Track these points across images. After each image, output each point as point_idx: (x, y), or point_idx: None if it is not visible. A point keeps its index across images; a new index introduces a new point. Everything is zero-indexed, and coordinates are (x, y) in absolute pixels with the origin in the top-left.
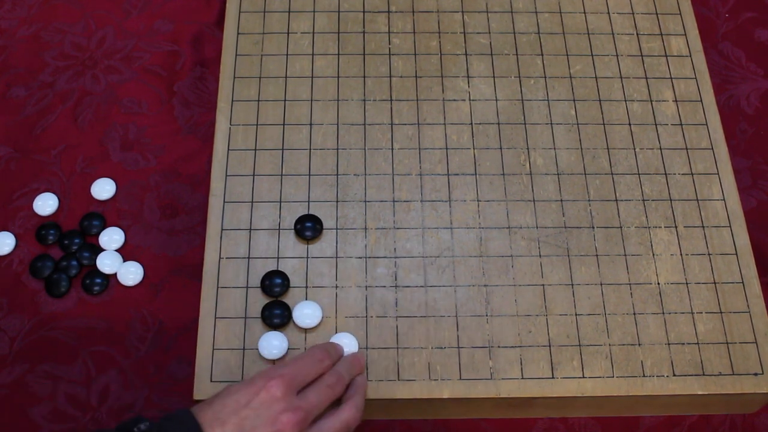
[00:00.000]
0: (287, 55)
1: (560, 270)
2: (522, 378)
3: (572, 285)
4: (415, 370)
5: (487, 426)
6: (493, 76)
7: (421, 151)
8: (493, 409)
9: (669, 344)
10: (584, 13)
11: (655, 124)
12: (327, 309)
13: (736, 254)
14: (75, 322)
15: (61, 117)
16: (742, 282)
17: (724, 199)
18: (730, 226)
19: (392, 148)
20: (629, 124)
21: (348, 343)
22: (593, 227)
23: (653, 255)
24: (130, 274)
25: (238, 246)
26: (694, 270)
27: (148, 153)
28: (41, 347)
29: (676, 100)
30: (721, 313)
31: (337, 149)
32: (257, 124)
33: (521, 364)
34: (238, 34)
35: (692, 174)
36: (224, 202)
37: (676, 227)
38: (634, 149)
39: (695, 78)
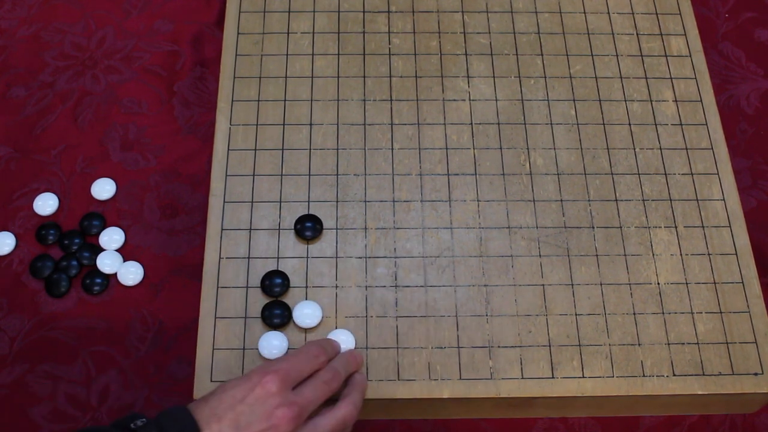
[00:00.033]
0: (287, 55)
1: (560, 270)
2: (522, 378)
3: (572, 285)
4: (415, 370)
5: (487, 426)
6: (493, 76)
7: (421, 151)
8: (493, 409)
9: (669, 344)
10: (584, 13)
11: (655, 124)
12: (327, 309)
13: (736, 254)
14: (75, 322)
15: (61, 117)
16: (742, 282)
17: (724, 199)
18: (730, 226)
19: (392, 148)
20: (629, 124)
21: (345, 339)
22: (593, 227)
23: (653, 255)
24: (130, 274)
25: (238, 246)
26: (694, 270)
27: (148, 153)
28: (41, 347)
29: (676, 100)
30: (721, 313)
31: (337, 149)
32: (257, 124)
33: (521, 364)
34: (238, 34)
35: (692, 174)
36: (224, 202)
37: (676, 227)
38: (634, 149)
39: (695, 78)
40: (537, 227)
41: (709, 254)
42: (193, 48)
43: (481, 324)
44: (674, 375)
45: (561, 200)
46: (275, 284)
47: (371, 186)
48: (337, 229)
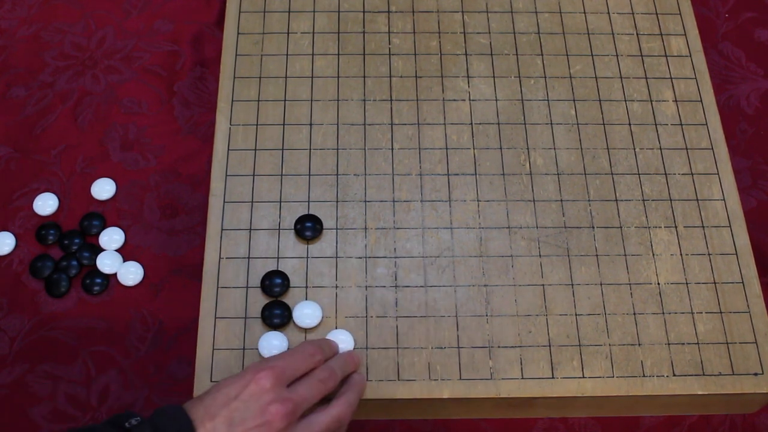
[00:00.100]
0: (287, 55)
1: (560, 270)
2: (522, 378)
3: (572, 285)
4: (415, 370)
5: (487, 426)
6: (493, 76)
7: (421, 151)
8: (493, 409)
9: (669, 344)
10: (584, 13)
11: (655, 124)
12: (327, 309)
13: (736, 254)
14: (75, 322)
15: (61, 117)
16: (742, 282)
17: (724, 199)
18: (730, 226)
19: (392, 148)
20: (629, 124)
21: (344, 339)
22: (593, 227)
23: (653, 255)
24: (130, 274)
25: (238, 246)
26: (694, 270)
27: (148, 153)
28: (41, 347)
29: (676, 100)
30: (721, 313)
31: (337, 149)
32: (257, 124)
33: (521, 364)
34: (238, 34)
35: (692, 174)
36: (224, 202)
37: (676, 227)
38: (634, 149)
39: (695, 78)
40: (537, 227)
41: (709, 254)
42: (193, 48)
43: (481, 324)
44: (674, 375)
45: (561, 200)
46: (275, 284)
47: (371, 186)
48: (337, 229)
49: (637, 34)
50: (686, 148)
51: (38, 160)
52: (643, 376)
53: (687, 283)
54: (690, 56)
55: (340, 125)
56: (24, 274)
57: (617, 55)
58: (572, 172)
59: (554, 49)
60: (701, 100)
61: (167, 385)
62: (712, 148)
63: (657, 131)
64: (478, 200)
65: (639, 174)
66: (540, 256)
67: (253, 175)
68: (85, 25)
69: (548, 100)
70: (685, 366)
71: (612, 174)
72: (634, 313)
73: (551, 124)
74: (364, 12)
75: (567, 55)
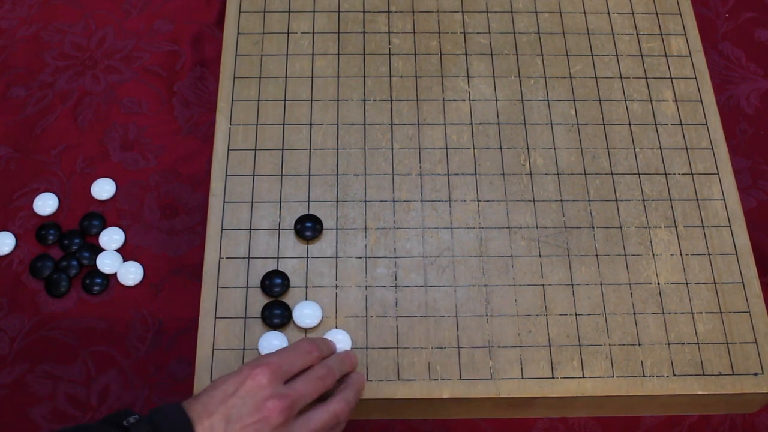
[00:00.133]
0: (287, 55)
1: (560, 270)
2: (522, 378)
3: (572, 285)
4: (415, 370)
5: (487, 426)
6: (493, 76)
7: (421, 151)
8: (493, 409)
9: (669, 344)
10: (584, 13)
11: (655, 124)
12: (327, 309)
13: (736, 254)
14: (75, 322)
15: (61, 117)
16: (742, 282)
17: (724, 199)
18: (730, 226)
19: (392, 148)
20: (629, 124)
21: (341, 339)
22: (593, 227)
23: (653, 255)
24: (130, 274)
25: (238, 246)
26: (694, 270)
27: (148, 153)
28: (41, 347)
29: (676, 100)
30: (721, 313)
31: (337, 149)
32: (257, 124)
33: (521, 364)
34: (238, 34)
35: (692, 174)
36: (224, 202)
37: (676, 227)
38: (634, 149)
39: (695, 78)
40: (537, 227)
41: (709, 254)
42: (193, 48)
43: (481, 324)
44: (674, 375)
45: (561, 200)
46: (275, 284)
47: (371, 186)
48: (337, 229)
49: (637, 34)
50: (686, 148)
51: (38, 160)
52: (643, 376)
53: (687, 283)
54: (690, 56)
55: (340, 125)
56: (24, 274)
57: (617, 55)
58: (572, 172)
59: (554, 49)
60: (701, 100)
61: (167, 385)
62: (712, 148)
63: (657, 131)
64: (478, 200)
65: (639, 174)
66: (540, 256)
67: (253, 175)
68: (85, 25)
69: (548, 100)
70: (685, 366)
71: (612, 174)
72: (634, 313)
73: (551, 124)
74: (364, 12)
75: (567, 55)
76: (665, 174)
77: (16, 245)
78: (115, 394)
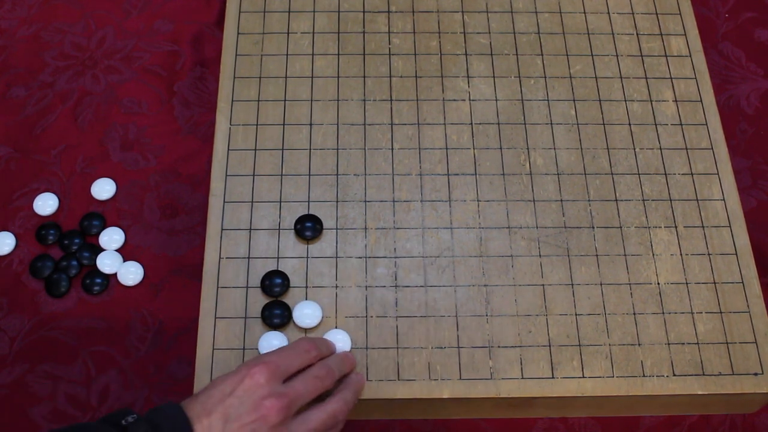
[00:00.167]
0: (287, 55)
1: (560, 270)
2: (522, 378)
3: (572, 285)
4: (415, 370)
5: (487, 426)
6: (493, 76)
7: (421, 151)
8: (493, 409)
9: (669, 344)
10: (584, 13)
11: (655, 124)
12: (327, 309)
13: (736, 254)
14: (75, 322)
15: (61, 117)
16: (742, 282)
17: (724, 199)
18: (730, 226)
19: (392, 148)
20: (629, 124)
21: (341, 339)
22: (593, 227)
23: (653, 255)
24: (130, 274)
25: (238, 246)
26: (694, 270)
27: (148, 153)
28: (41, 347)
29: (676, 100)
30: (721, 313)
31: (337, 149)
32: (257, 124)
33: (521, 364)
34: (238, 34)
35: (692, 174)
36: (224, 202)
37: (676, 227)
38: (634, 149)
39: (695, 78)
40: (537, 227)
41: (709, 254)
42: (193, 48)
43: (481, 324)
44: (674, 375)
45: (561, 200)
46: (275, 284)
47: (371, 186)
48: (337, 229)
49: (637, 34)
50: (686, 148)
51: (38, 160)
52: (643, 376)
53: (687, 283)
54: (690, 56)
55: (340, 125)
56: (24, 274)
57: (617, 55)
58: (572, 172)
59: (554, 49)
60: (701, 100)
61: (167, 385)
62: (712, 148)
63: (657, 131)
64: (478, 200)
65: (639, 174)
66: (540, 256)
67: (253, 175)
68: (85, 25)
69: (548, 100)
70: (685, 366)
71: (612, 174)
72: (634, 313)
73: (551, 124)
74: (364, 12)
75: (567, 55)
76: (665, 174)
77: (16, 245)
78: (115, 394)
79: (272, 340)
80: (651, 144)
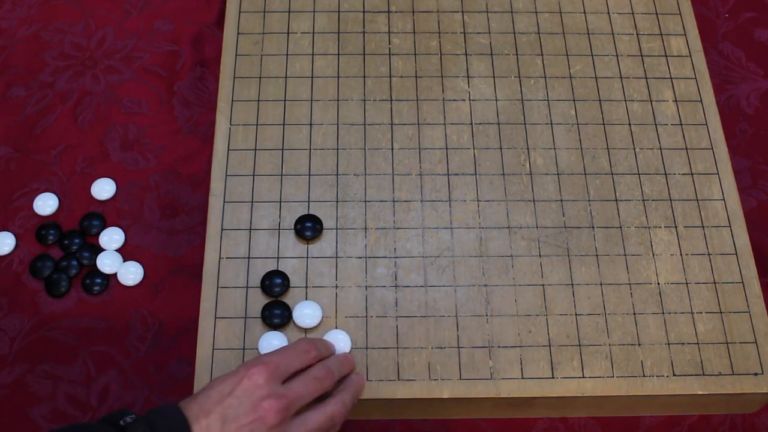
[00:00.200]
0: (287, 55)
1: (560, 270)
2: (522, 378)
3: (572, 285)
4: (415, 370)
5: (487, 426)
6: (493, 76)
7: (421, 151)
8: (493, 409)
9: (669, 344)
10: (584, 13)
11: (655, 124)
12: (327, 309)
13: (736, 254)
14: (75, 322)
15: (61, 117)
16: (742, 282)
17: (724, 199)
18: (730, 226)
19: (392, 148)
20: (629, 124)
21: (341, 339)
22: (593, 227)
23: (653, 255)
24: (130, 274)
25: (238, 246)
26: (694, 270)
27: (148, 153)
28: (41, 347)
29: (676, 100)
30: (721, 313)
31: (337, 149)
32: (257, 124)
33: (521, 364)
34: (238, 34)
35: (692, 174)
36: (224, 202)
37: (676, 227)
38: (634, 149)
39: (695, 78)
40: (537, 227)
41: (709, 254)
42: (193, 48)
43: (481, 324)
44: (674, 375)
45: (561, 200)
46: (275, 284)
47: (371, 186)
48: (337, 229)
49: (637, 34)
50: (686, 148)
51: (38, 160)
52: (643, 376)
53: (687, 283)
54: (690, 56)
55: (340, 125)
56: (24, 274)
57: (617, 55)
58: (572, 172)
59: (554, 49)
60: (701, 100)
61: (167, 385)
62: (712, 148)
63: (657, 131)
64: (478, 200)
65: (639, 174)
66: (540, 256)
67: (253, 175)
68: (85, 25)
69: (548, 100)
70: (685, 366)
71: (612, 174)
72: (634, 313)
73: (551, 124)
74: (364, 12)
75: (567, 55)
76: (665, 174)
77: (16, 245)
78: (115, 394)
79: (272, 340)
80: (651, 144)
